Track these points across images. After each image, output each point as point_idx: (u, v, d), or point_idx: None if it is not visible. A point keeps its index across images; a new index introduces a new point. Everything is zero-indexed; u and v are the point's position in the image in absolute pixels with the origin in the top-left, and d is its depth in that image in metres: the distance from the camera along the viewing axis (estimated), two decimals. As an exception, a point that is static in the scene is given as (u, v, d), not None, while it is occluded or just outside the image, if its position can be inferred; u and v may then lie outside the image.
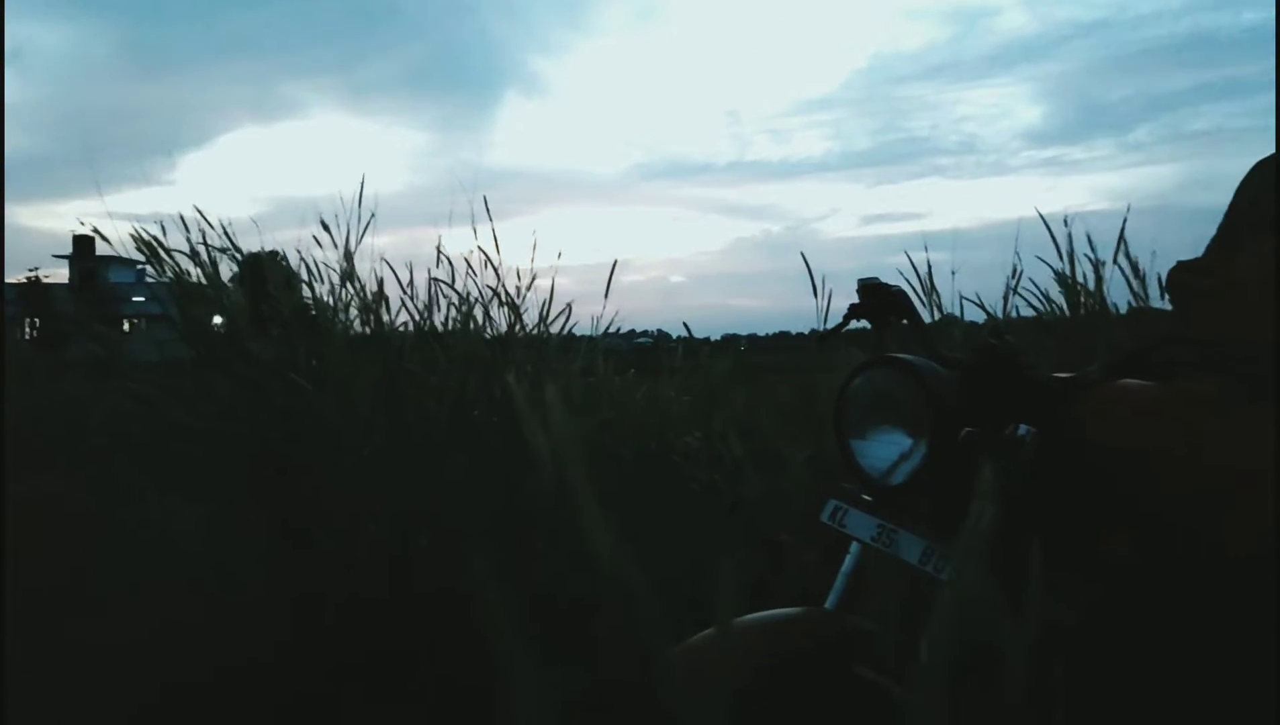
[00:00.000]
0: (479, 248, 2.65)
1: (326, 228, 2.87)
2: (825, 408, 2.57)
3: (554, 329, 2.64)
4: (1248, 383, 1.07)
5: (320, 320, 2.78)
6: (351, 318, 2.84)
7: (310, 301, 2.90)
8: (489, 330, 2.60)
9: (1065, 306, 2.49)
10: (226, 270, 2.87)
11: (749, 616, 1.18)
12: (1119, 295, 2.54)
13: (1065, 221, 2.49)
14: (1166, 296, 1.36)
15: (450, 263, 2.67)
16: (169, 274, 2.74)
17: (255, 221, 3.99)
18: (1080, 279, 2.46)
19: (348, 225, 2.82)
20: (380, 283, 2.81)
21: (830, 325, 1.64)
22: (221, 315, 2.77)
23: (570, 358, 2.69)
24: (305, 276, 2.92)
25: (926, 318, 2.66)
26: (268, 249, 3.16)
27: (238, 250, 2.92)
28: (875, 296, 1.45)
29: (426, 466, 2.16)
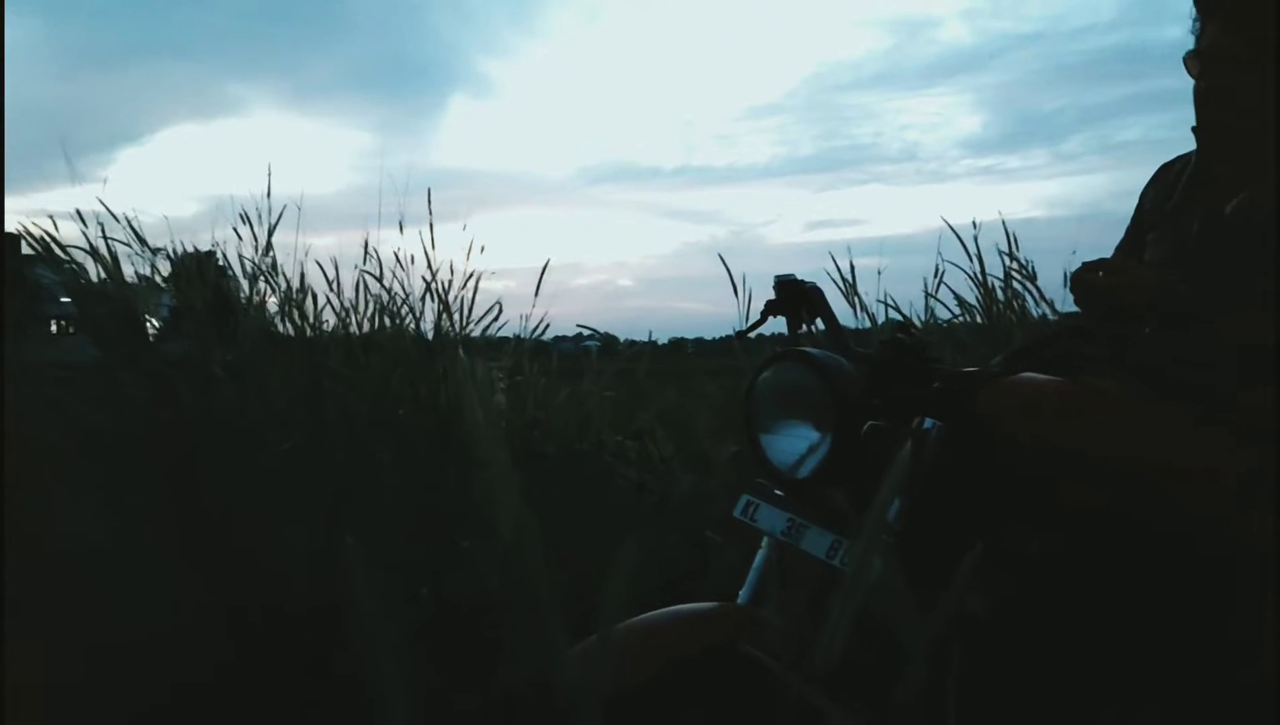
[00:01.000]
0: (425, 248, 2.61)
1: (247, 220, 2.80)
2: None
3: (485, 329, 2.61)
4: (1150, 380, 1.11)
5: (244, 317, 2.71)
6: (271, 314, 2.77)
7: (244, 298, 2.83)
8: (412, 328, 2.56)
9: (981, 310, 2.57)
10: (132, 268, 2.78)
11: (657, 612, 1.18)
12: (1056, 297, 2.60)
13: (974, 225, 2.58)
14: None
15: (380, 260, 2.63)
16: (70, 271, 2.63)
17: (174, 221, 3.87)
18: (991, 284, 2.55)
19: (267, 221, 2.76)
20: (303, 278, 2.75)
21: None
22: (128, 313, 2.67)
23: (498, 357, 2.66)
24: (235, 274, 2.85)
25: (852, 319, 2.71)
26: (205, 248, 3.07)
27: (153, 249, 2.83)
28: (791, 293, 1.47)
29: (347, 465, 2.12)
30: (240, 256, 2.84)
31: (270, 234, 2.73)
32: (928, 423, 1.14)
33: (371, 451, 2.18)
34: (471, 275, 2.60)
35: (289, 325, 2.72)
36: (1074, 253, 2.47)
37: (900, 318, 2.67)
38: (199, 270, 2.84)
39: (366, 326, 2.60)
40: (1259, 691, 1.13)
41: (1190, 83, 1.35)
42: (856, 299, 2.66)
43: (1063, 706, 1.09)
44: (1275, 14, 1.23)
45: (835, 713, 0.59)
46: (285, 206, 2.72)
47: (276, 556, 1.77)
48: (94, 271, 2.60)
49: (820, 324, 1.39)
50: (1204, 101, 1.33)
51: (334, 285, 2.64)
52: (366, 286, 2.62)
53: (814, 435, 1.16)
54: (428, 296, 2.55)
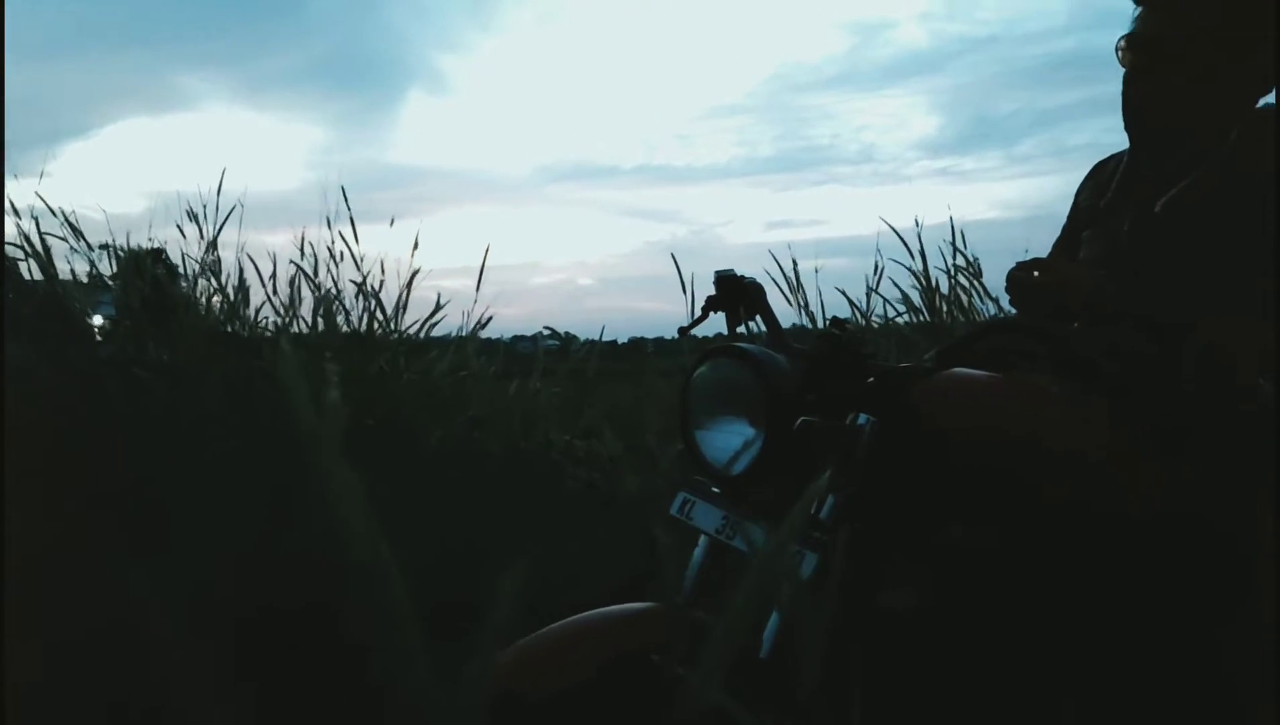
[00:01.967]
0: (350, 245, 2.55)
1: (194, 218, 2.72)
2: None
3: (425, 327, 2.56)
4: (1078, 375, 1.11)
5: (181, 316, 2.63)
6: (214, 312, 2.69)
7: (184, 297, 2.75)
8: (348, 326, 2.50)
9: (925, 309, 2.59)
10: (68, 265, 2.68)
11: (591, 613, 1.15)
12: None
13: (916, 221, 2.61)
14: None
15: (316, 257, 2.57)
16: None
17: (122, 217, 3.76)
18: (935, 282, 2.57)
19: (213, 218, 2.69)
20: (241, 277, 2.68)
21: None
22: (61, 311, 2.58)
23: (440, 356, 2.62)
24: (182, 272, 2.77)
25: (794, 316, 2.71)
26: (153, 246, 2.98)
27: (94, 246, 2.74)
28: (731, 289, 1.45)
29: (282, 465, 2.06)
30: (183, 255, 2.77)
31: (218, 232, 2.66)
32: (861, 418, 1.14)
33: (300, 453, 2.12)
34: (415, 273, 2.55)
35: (230, 325, 2.65)
36: (1025, 251, 2.50)
37: (846, 315, 2.69)
38: (137, 268, 2.76)
39: (302, 326, 2.54)
40: (1192, 683, 1.15)
41: None
42: (800, 297, 2.67)
43: (988, 701, 1.09)
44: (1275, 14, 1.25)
45: (742, 716, 0.57)
46: (233, 204, 2.66)
47: (207, 559, 1.71)
48: (26, 269, 2.50)
49: (765, 321, 1.38)
50: (1132, 85, 1.35)
51: (272, 284, 2.57)
52: (300, 285, 2.56)
53: (748, 431, 1.15)
54: (361, 295, 2.50)
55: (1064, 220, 1.62)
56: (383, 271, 2.54)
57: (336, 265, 2.54)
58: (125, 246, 2.81)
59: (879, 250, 2.61)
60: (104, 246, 2.79)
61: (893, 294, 2.73)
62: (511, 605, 0.52)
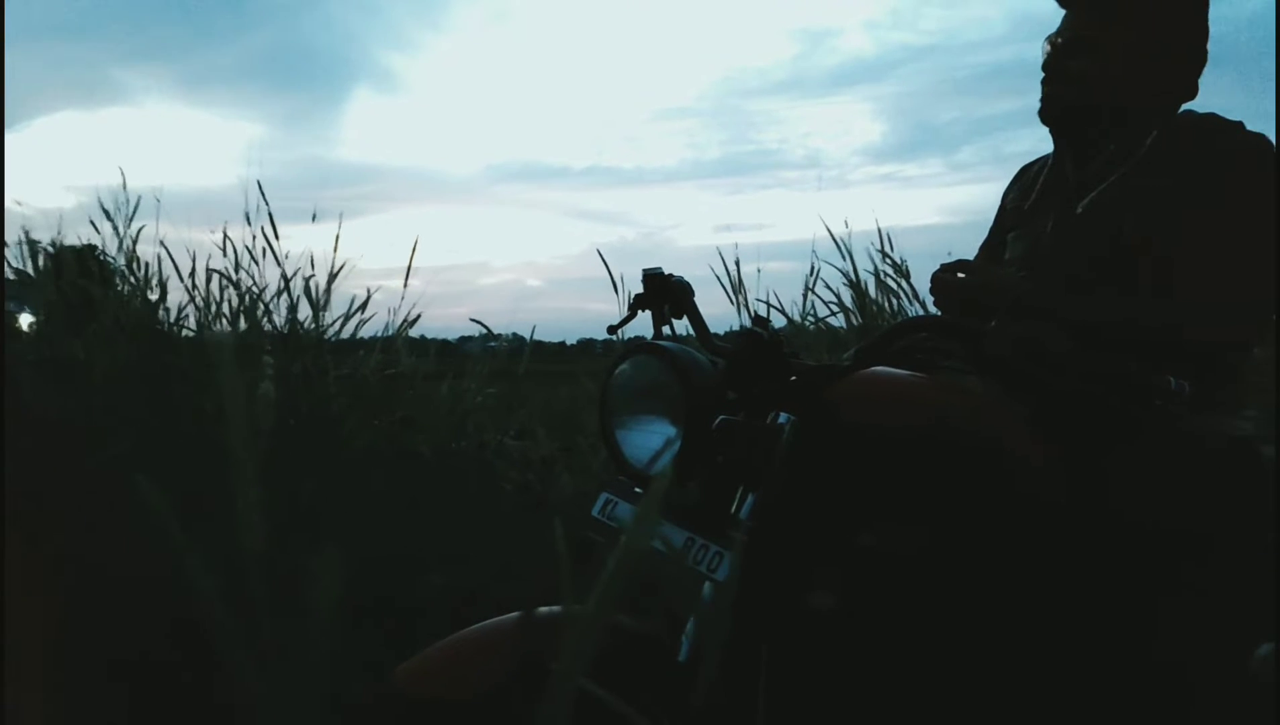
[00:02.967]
0: (270, 242, 2.47)
1: (111, 216, 2.62)
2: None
3: (348, 325, 2.49)
4: (994, 373, 1.12)
5: (100, 314, 2.52)
6: (130, 310, 2.59)
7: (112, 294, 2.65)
8: (271, 324, 2.43)
9: (857, 310, 2.62)
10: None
11: (503, 618, 1.12)
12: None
13: (846, 223, 2.65)
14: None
15: (237, 255, 2.48)
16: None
17: (51, 214, 3.60)
18: (864, 285, 2.61)
19: (129, 215, 2.59)
20: (160, 273, 2.59)
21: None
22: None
23: (368, 355, 2.55)
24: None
25: (735, 316, 2.72)
26: (82, 243, 2.86)
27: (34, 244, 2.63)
28: (657, 287, 1.44)
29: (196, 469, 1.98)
30: (103, 252, 2.67)
31: (138, 230, 2.57)
32: (782, 417, 1.13)
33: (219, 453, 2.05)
34: (339, 269, 2.48)
35: (155, 324, 2.56)
36: (949, 254, 2.54)
37: (787, 317, 2.70)
38: (57, 266, 2.65)
39: (224, 325, 2.45)
40: (1112, 675, 1.17)
41: None
42: (743, 298, 2.68)
43: (907, 703, 1.09)
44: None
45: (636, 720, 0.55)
46: (152, 201, 2.57)
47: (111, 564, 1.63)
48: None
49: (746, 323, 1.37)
50: (1045, 84, 1.39)
51: (191, 281, 2.48)
52: (218, 284, 2.48)
53: (668, 430, 1.13)
54: (285, 292, 2.42)
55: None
56: (312, 268, 2.48)
57: (257, 263, 2.47)
58: (54, 243, 2.71)
59: (814, 253, 2.64)
60: (30, 243, 2.68)
61: (829, 296, 2.77)
62: (328, 617, 0.49)
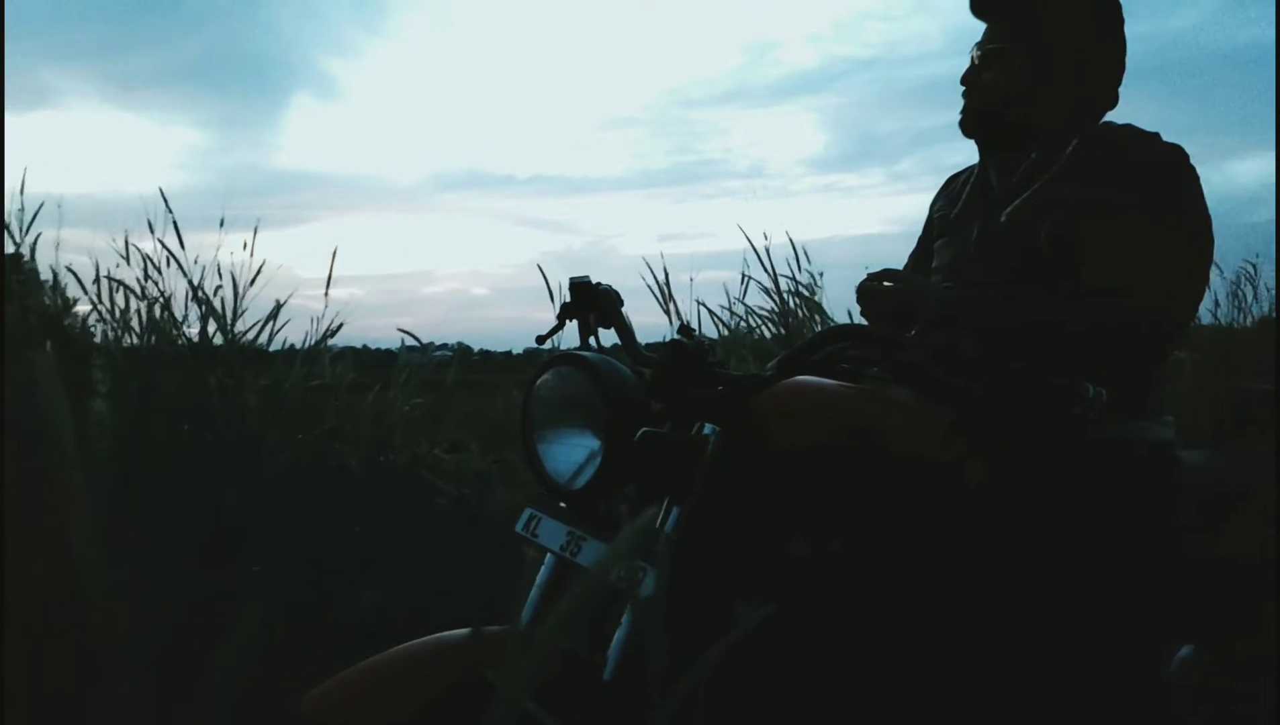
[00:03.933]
0: (175, 251, 2.37)
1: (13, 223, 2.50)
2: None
3: (263, 334, 2.40)
4: (914, 381, 1.11)
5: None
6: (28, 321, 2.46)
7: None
8: (183, 336, 2.32)
9: (779, 321, 2.63)
10: None
11: (424, 639, 1.08)
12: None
13: (765, 235, 2.67)
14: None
15: (145, 260, 2.37)
16: None
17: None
18: (784, 296, 2.63)
19: (23, 222, 2.47)
20: (56, 282, 2.47)
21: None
22: None
23: (288, 366, 2.46)
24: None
25: (665, 325, 2.70)
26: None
27: None
28: (584, 296, 1.40)
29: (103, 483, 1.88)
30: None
31: (35, 237, 2.44)
32: (707, 429, 1.11)
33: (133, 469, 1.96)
34: (254, 277, 2.39)
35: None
36: (865, 267, 2.58)
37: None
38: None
39: (134, 338, 2.34)
40: (1042, 690, 1.17)
41: None
42: (673, 305, 2.66)
43: (839, 710, 1.08)
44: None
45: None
46: (58, 205, 2.45)
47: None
48: None
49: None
50: (964, 94, 1.42)
51: (97, 291, 2.37)
52: (128, 293, 2.37)
53: (590, 443, 1.10)
54: (196, 302, 2.32)
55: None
56: (224, 276, 2.38)
57: (161, 272, 2.36)
58: None
59: (745, 262, 2.65)
60: None
61: (765, 304, 2.78)
62: (243, 651, 0.45)
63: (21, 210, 2.42)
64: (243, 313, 2.34)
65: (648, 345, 1.36)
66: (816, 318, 2.63)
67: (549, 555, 1.20)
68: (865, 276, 1.37)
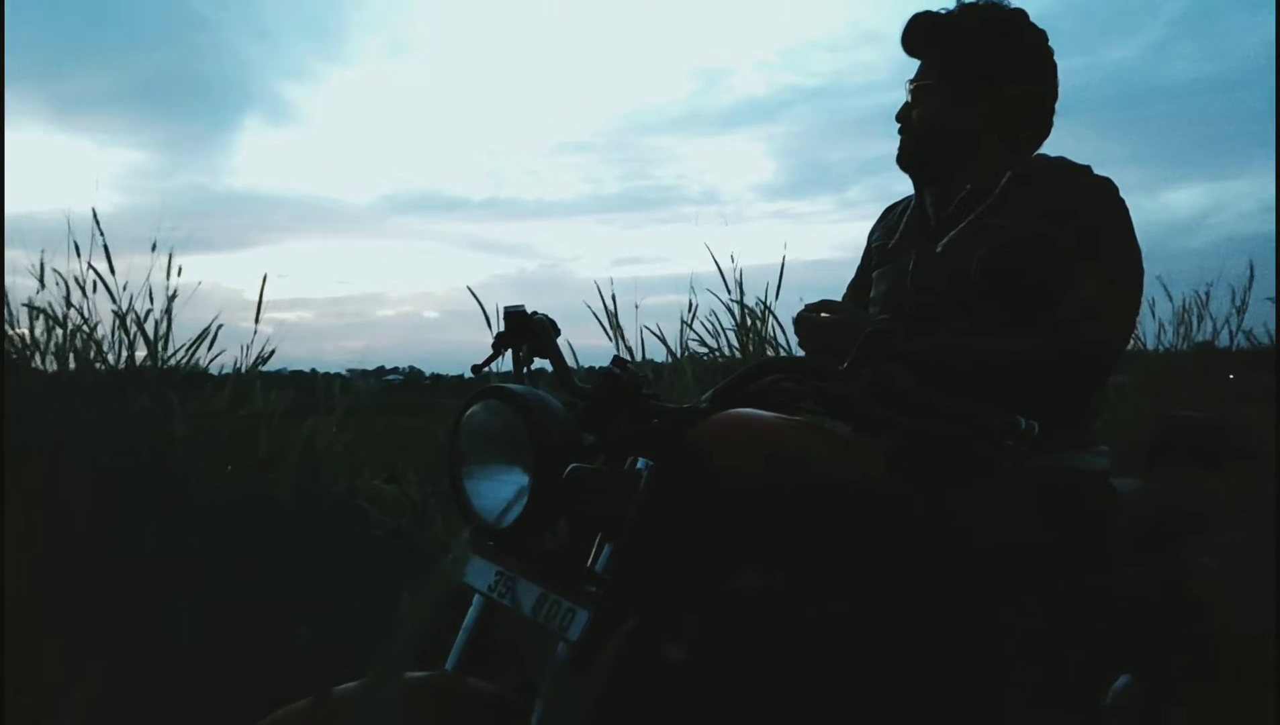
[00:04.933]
0: (104, 275, 2.28)
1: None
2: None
3: (194, 358, 2.31)
4: (848, 415, 1.10)
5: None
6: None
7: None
8: (102, 361, 2.23)
9: (736, 345, 2.62)
10: None
11: (346, 686, 1.02)
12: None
13: (732, 258, 2.66)
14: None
15: (68, 284, 2.28)
16: None
17: None
18: (748, 321, 2.62)
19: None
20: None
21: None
22: None
23: (217, 393, 2.37)
24: None
25: (612, 350, 2.67)
26: None
27: None
28: (519, 325, 1.37)
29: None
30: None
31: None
32: (640, 463, 1.08)
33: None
34: (172, 297, 2.31)
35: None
36: (800, 298, 2.58)
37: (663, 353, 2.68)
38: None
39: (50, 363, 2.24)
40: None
41: None
42: (620, 332, 2.64)
43: None
44: None
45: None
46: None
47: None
48: None
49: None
50: (901, 130, 1.43)
51: (11, 317, 2.26)
52: (48, 319, 2.26)
53: (518, 479, 1.06)
54: (120, 327, 2.23)
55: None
56: (155, 300, 2.29)
57: (86, 296, 2.26)
58: None
59: (692, 289, 2.64)
60: None
61: (702, 331, 2.76)
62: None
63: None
64: (169, 341, 2.25)
65: (592, 370, 1.33)
66: (749, 345, 2.62)
67: (476, 596, 1.15)
68: (803, 306, 1.36)
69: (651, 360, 2.74)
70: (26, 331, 2.23)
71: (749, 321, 2.63)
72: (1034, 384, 1.19)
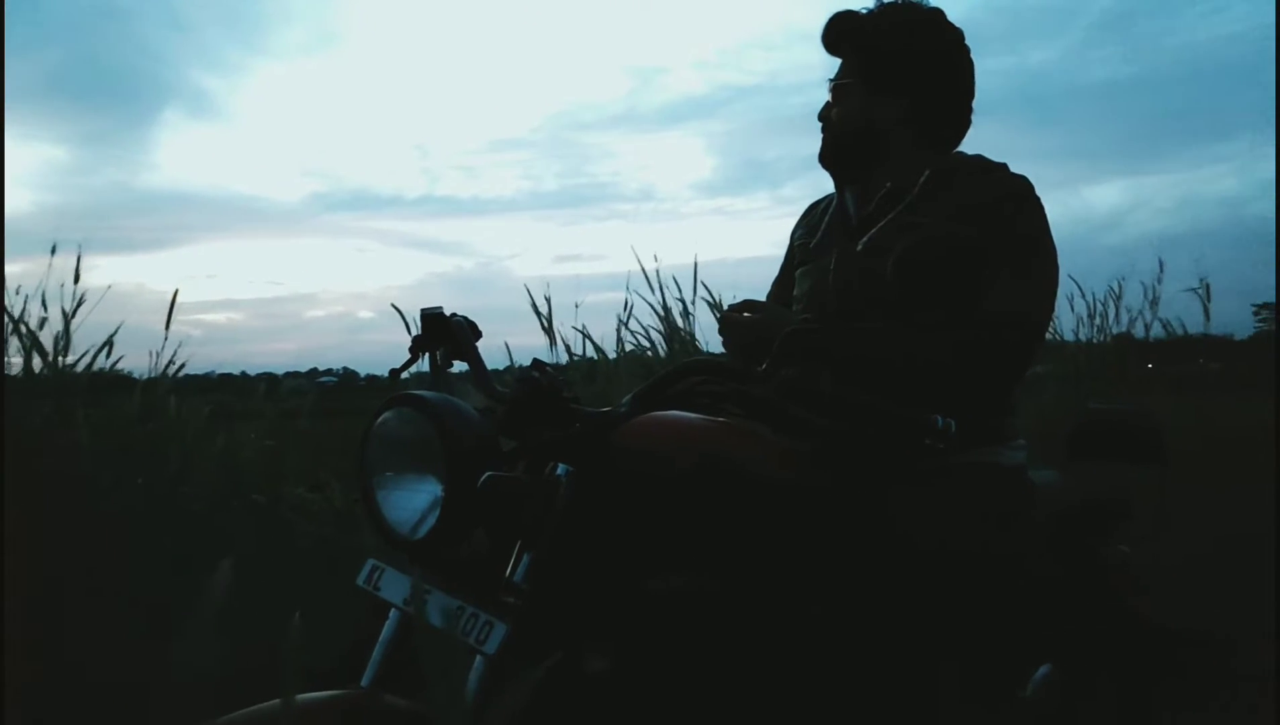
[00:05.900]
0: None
1: None
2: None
3: (92, 365, 2.20)
4: (767, 415, 1.09)
5: None
6: None
7: None
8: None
9: (664, 344, 2.61)
10: None
11: (257, 707, 0.98)
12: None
13: (655, 257, 2.65)
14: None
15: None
16: None
17: None
18: (677, 320, 2.61)
19: None
20: None
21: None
22: None
23: (127, 400, 2.27)
24: None
25: (547, 350, 2.64)
26: None
27: None
28: (436, 328, 1.33)
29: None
30: None
31: None
32: (560, 469, 1.05)
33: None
34: (79, 304, 2.20)
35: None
36: (735, 295, 2.58)
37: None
38: None
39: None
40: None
41: None
42: (553, 332, 2.61)
43: None
44: None
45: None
46: None
47: None
48: None
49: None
50: (823, 127, 1.43)
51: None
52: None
53: (432, 489, 1.02)
54: (15, 333, 2.11)
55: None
56: (45, 308, 2.17)
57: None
58: None
59: (628, 287, 2.62)
60: None
61: (637, 330, 2.75)
62: None
63: None
64: (69, 348, 2.13)
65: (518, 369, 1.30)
66: (675, 345, 2.62)
67: (392, 610, 1.11)
68: (726, 307, 1.35)
69: (593, 358, 2.71)
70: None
71: (672, 321, 2.62)
72: (953, 381, 1.19)
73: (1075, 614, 1.45)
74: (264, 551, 2.14)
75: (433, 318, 1.33)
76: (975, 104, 1.43)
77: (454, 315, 1.35)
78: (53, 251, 2.21)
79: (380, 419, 1.06)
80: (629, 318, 2.66)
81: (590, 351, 2.72)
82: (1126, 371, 3.86)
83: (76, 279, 2.16)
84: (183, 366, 2.29)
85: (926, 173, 1.34)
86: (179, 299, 2.33)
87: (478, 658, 0.98)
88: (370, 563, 1.14)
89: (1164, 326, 4.02)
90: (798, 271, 1.50)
